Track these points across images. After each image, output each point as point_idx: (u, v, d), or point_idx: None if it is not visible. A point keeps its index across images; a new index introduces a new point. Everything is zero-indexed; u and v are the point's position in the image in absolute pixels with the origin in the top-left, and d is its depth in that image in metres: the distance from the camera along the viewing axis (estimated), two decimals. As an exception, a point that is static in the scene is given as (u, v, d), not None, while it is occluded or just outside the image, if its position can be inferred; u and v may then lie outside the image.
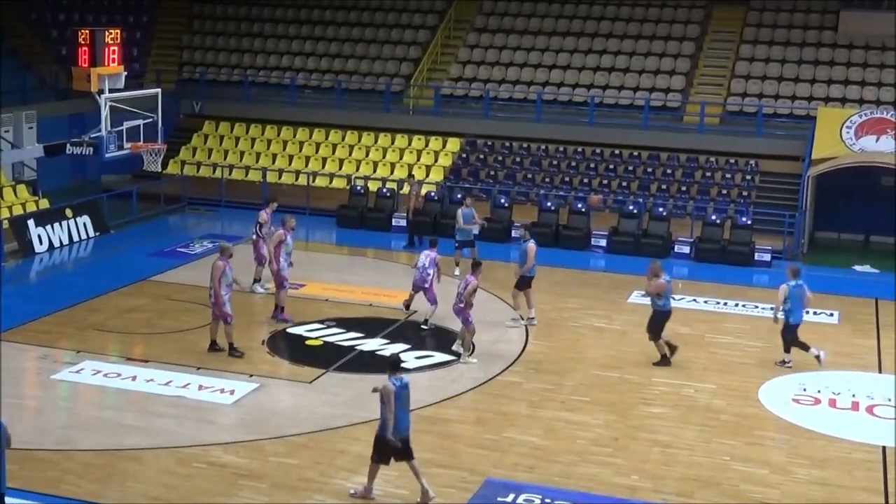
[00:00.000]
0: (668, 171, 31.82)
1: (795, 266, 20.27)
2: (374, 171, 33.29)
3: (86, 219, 28.06)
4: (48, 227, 26.87)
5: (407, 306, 21.60)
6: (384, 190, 31.00)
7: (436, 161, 33.43)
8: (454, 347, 19.74)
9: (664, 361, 19.39)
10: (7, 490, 13.21)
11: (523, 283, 21.51)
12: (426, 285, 20.89)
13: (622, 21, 36.52)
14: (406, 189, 30.25)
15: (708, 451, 15.77)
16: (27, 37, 35.50)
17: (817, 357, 19.42)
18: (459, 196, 27.92)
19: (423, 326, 20.87)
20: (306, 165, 33.81)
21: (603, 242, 28.18)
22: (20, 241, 26.09)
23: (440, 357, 19.45)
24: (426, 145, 33.98)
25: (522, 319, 21.36)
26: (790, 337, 19.56)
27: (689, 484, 14.66)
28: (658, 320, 19.53)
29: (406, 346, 19.89)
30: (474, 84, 35.43)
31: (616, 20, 36.60)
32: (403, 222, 29.02)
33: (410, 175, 31.22)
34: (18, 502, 13.30)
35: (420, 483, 13.78)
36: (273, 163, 34.13)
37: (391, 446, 13.56)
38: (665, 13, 36.46)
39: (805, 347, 19.50)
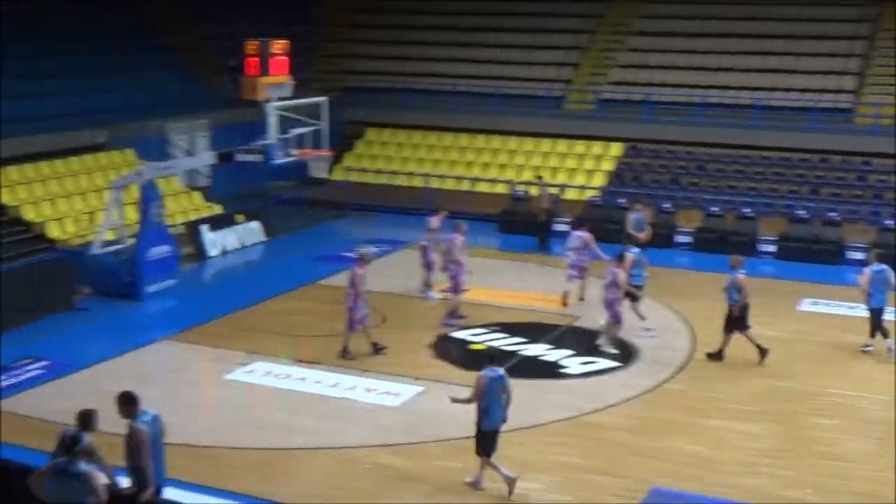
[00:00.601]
0: (840, 174, 30.83)
1: (877, 251, 20.41)
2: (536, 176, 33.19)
3: (255, 224, 28.86)
4: (220, 232, 27.73)
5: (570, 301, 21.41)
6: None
7: (598, 166, 33.17)
8: (600, 342, 19.83)
9: (717, 357, 19.27)
10: (181, 485, 13.68)
11: None
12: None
13: (789, 21, 35.58)
14: (535, 191, 29.99)
15: (885, 465, 15.15)
16: (199, 49, 36.71)
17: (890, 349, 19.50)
18: (623, 201, 27.60)
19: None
20: (467, 171, 33.99)
21: (771, 248, 27.48)
22: (195, 245, 26.99)
23: (604, 363, 19.27)
24: (588, 150, 33.75)
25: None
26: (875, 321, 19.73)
27: (866, 499, 14.12)
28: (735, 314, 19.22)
29: (570, 352, 19.78)
30: (636, 88, 35.04)
31: (782, 20, 35.68)
32: (567, 227, 28.82)
33: (538, 177, 30.83)
34: (191, 496, 13.70)
35: (480, 472, 14.07)
36: (435, 168, 34.44)
37: (489, 434, 13.79)
38: (834, 11, 35.35)
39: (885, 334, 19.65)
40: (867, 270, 19.75)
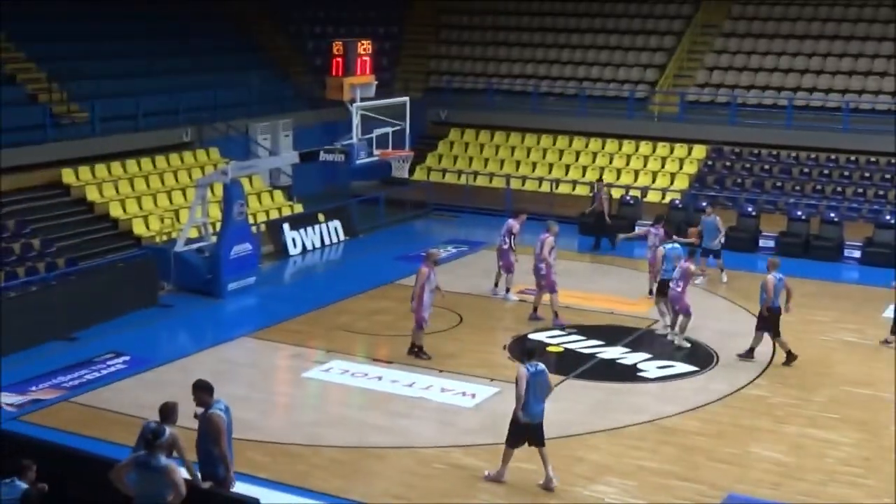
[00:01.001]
0: (929, 178, 30.18)
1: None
2: (618, 178, 33.05)
3: (336, 223, 29.08)
4: (301, 231, 28.00)
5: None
6: (628, 197, 30.72)
7: (680, 168, 32.89)
8: (672, 338, 19.99)
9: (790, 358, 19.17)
10: (256, 481, 13.87)
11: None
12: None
13: (880, 23, 34.88)
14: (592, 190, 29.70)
15: (970, 476, 14.82)
16: (285, 49, 37.13)
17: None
18: (705, 204, 27.30)
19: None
20: (549, 172, 33.92)
21: (857, 254, 26.97)
22: (276, 243, 27.31)
23: (682, 367, 19.10)
24: (671, 152, 33.48)
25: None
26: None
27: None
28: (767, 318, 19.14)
29: (647, 356, 19.65)
30: (721, 90, 34.65)
31: (873, 22, 34.98)
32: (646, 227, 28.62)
33: (600, 179, 30.31)
34: (267, 493, 13.86)
35: (546, 470, 14.13)
36: (516, 169, 34.44)
37: (521, 428, 13.95)
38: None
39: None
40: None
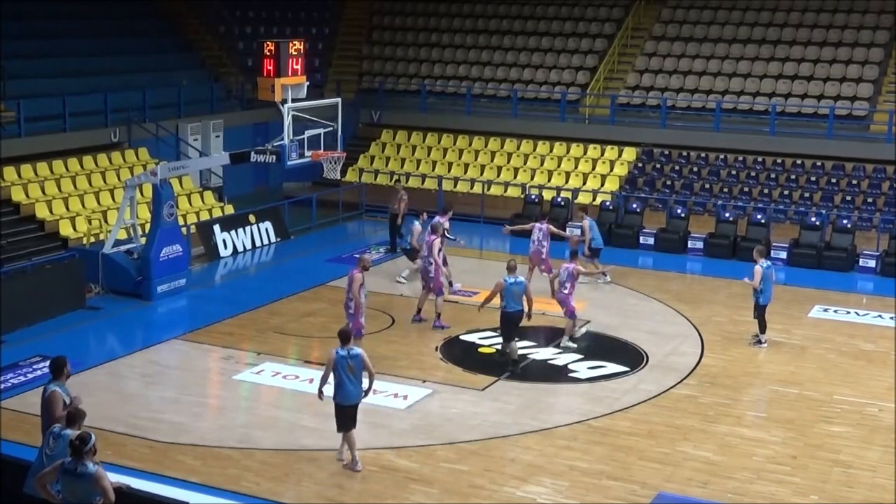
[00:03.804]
0: (854, 182, 30.74)
1: (763, 247, 21.18)
2: (549, 180, 33.25)
3: (268, 224, 28.92)
4: (232, 232, 27.79)
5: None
6: (559, 199, 30.93)
7: (611, 170, 33.16)
8: (564, 343, 20.27)
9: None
10: (188, 485, 13.78)
11: None
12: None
13: (806, 27, 35.49)
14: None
15: (893, 473, 15.13)
16: (215, 49, 36.82)
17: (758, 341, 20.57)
18: (636, 206, 27.57)
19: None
20: (481, 174, 34.02)
21: (783, 255, 27.40)
22: (206, 245, 27.07)
23: (613, 368, 19.27)
24: (602, 154, 33.74)
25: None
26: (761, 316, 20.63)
27: (872, 507, 14.11)
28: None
29: (578, 356, 19.79)
30: (651, 93, 35.01)
31: (800, 26, 35.59)
32: (578, 231, 28.80)
33: (397, 180, 30.21)
34: (198, 496, 13.76)
35: (352, 453, 14.76)
36: (449, 171, 34.48)
37: (344, 411, 14.52)
38: (852, 19, 35.24)
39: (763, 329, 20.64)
40: (758, 267, 20.31)
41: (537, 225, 23.89)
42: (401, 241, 26.62)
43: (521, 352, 19.79)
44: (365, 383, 14.67)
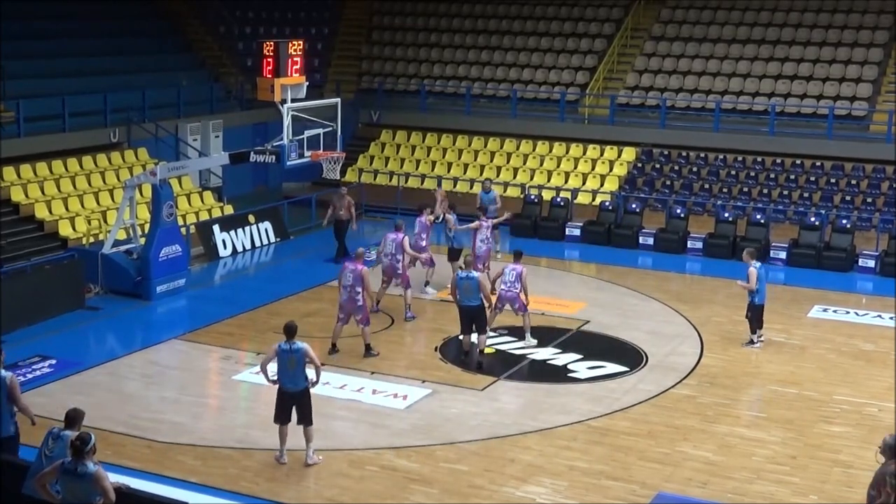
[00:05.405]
0: (853, 182, 30.75)
1: (753, 249, 21.14)
2: (549, 180, 33.24)
3: (267, 225, 28.92)
4: (232, 233, 27.79)
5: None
6: (558, 199, 30.93)
7: (610, 170, 33.17)
8: (526, 343, 20.32)
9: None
10: (187, 485, 13.77)
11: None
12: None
13: (806, 27, 35.49)
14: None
15: (892, 473, 15.12)
16: (214, 50, 36.80)
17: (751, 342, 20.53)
18: (635, 206, 27.54)
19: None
20: (481, 174, 34.00)
21: (783, 255, 27.40)
22: (206, 245, 27.06)
23: (613, 368, 19.28)
24: (601, 154, 33.74)
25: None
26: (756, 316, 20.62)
27: (872, 507, 14.09)
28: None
29: (578, 356, 19.80)
30: (651, 93, 35.01)
31: (799, 26, 35.59)
32: (577, 231, 28.86)
33: (341, 185, 29.11)
34: (198, 496, 13.76)
35: (281, 448, 15.06)
36: (448, 171, 34.48)
37: (284, 398, 14.88)
38: (852, 19, 35.24)
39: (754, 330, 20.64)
40: (753, 269, 20.30)
41: (484, 223, 24.04)
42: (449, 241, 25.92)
43: (519, 352, 19.81)
44: (311, 375, 14.89)
